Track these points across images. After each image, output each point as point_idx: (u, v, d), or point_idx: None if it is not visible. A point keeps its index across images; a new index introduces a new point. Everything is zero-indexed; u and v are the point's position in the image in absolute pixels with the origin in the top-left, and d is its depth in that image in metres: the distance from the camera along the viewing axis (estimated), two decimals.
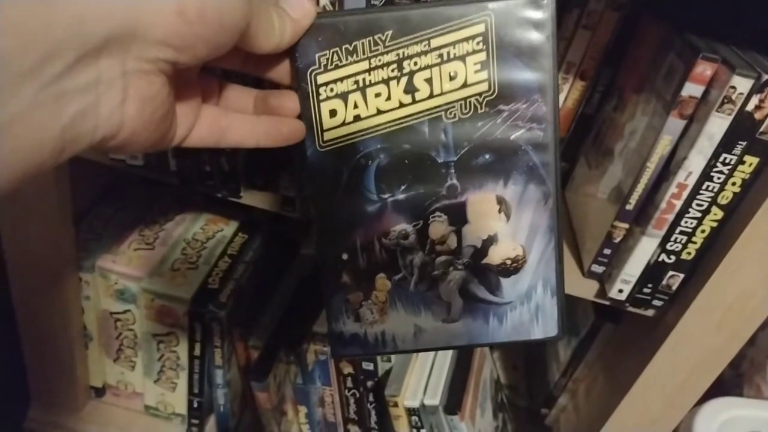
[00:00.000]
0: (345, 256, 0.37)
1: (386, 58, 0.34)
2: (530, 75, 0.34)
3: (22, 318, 0.72)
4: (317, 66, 0.34)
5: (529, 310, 0.38)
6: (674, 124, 0.46)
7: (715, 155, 0.45)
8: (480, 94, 0.34)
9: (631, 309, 0.55)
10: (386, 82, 0.34)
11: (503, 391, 0.86)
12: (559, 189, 0.36)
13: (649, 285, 0.53)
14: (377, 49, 0.33)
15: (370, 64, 0.34)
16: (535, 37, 0.33)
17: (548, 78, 0.34)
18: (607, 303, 0.56)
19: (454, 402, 0.67)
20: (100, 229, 0.74)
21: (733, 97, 0.43)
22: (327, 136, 0.35)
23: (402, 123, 0.35)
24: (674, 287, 0.52)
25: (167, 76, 0.27)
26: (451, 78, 0.34)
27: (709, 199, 0.47)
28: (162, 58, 0.26)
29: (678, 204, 0.48)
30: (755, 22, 0.49)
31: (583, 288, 0.57)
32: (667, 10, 0.55)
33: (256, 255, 0.77)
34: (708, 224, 0.49)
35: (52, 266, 0.67)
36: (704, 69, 0.44)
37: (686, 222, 0.49)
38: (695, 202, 0.48)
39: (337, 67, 0.34)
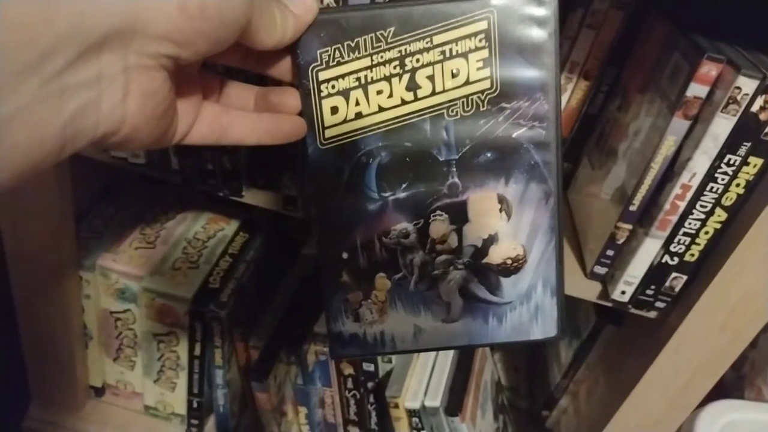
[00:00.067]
0: (345, 255, 0.37)
1: (388, 55, 0.33)
2: (533, 73, 0.34)
3: (23, 317, 0.72)
4: (319, 62, 0.34)
5: (528, 311, 0.38)
6: (679, 124, 0.46)
7: (720, 156, 0.45)
8: (482, 92, 0.34)
9: (633, 311, 0.55)
10: (388, 79, 0.34)
11: (504, 392, 0.86)
12: (560, 188, 0.36)
13: (652, 287, 0.52)
14: (379, 46, 0.33)
15: (372, 60, 0.33)
16: (537, 34, 0.33)
17: (551, 76, 0.34)
18: (610, 304, 0.55)
19: (454, 403, 0.67)
20: (100, 227, 0.74)
21: (738, 97, 0.42)
22: (328, 133, 0.35)
23: (404, 121, 0.34)
24: (677, 289, 0.52)
25: (168, 71, 0.27)
26: (454, 75, 0.34)
27: (713, 201, 0.47)
28: (163, 54, 0.26)
29: (682, 205, 0.48)
30: (761, 23, 0.49)
31: (586, 289, 0.56)
32: (672, 10, 0.55)
33: (258, 254, 0.77)
34: (712, 226, 0.48)
35: (52, 265, 0.67)
36: (709, 69, 0.44)
37: (690, 223, 0.48)
38: (699, 203, 0.47)
39: (338, 63, 0.34)
